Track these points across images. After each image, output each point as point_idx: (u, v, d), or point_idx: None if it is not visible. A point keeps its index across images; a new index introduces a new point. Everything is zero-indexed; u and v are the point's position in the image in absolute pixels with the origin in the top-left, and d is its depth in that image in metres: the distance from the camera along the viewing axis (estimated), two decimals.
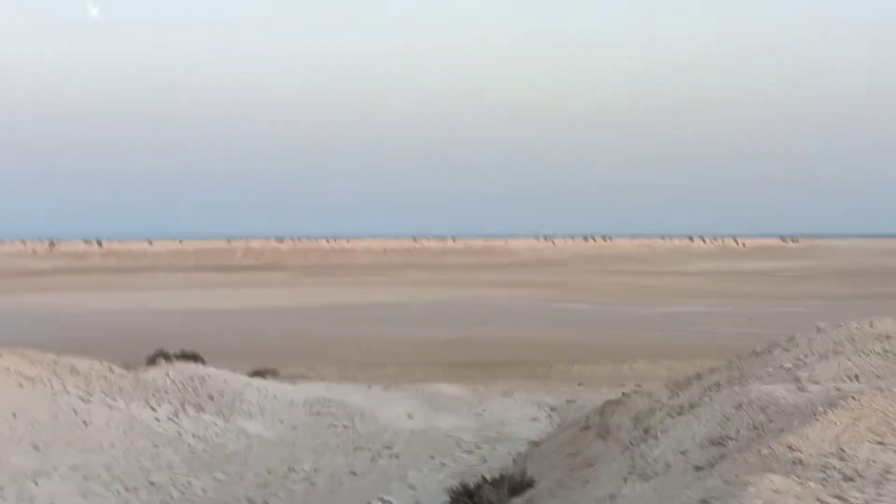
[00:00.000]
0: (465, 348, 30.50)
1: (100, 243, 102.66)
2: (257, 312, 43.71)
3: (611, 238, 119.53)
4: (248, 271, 77.58)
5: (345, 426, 15.75)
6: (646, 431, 8.23)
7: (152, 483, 11.31)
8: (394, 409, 17.33)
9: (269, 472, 12.44)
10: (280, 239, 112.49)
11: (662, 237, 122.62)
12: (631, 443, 8.52)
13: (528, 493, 10.04)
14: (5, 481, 10.00)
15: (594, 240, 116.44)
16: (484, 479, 10.97)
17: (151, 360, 17.38)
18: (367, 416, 16.56)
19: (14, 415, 11.30)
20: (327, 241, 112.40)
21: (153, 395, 14.31)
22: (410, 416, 16.55)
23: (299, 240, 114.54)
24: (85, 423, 12.02)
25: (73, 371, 13.58)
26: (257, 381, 18.31)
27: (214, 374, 17.40)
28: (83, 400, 12.60)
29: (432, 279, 66.79)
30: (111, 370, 14.67)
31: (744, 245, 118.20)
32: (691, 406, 7.79)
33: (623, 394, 12.76)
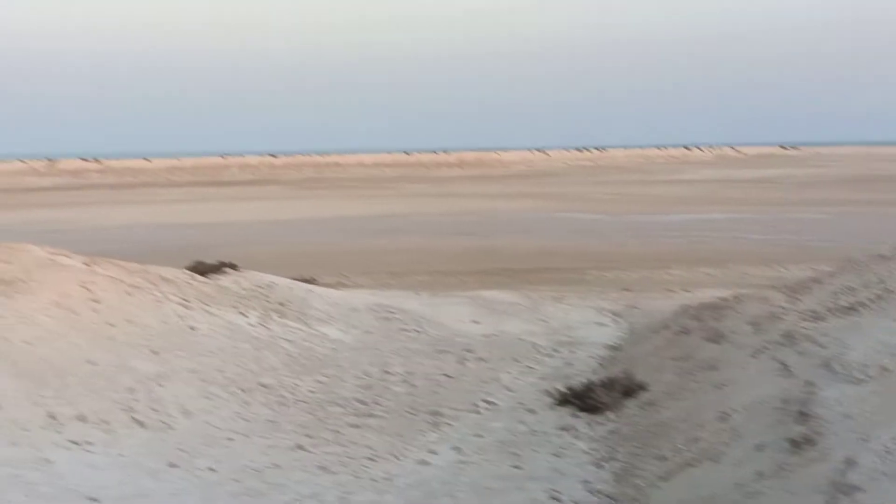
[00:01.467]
0: (487, 257, 30.75)
1: (98, 161, 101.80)
2: (264, 224, 43.68)
3: (605, 149, 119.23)
4: (245, 185, 77.18)
5: (416, 331, 16.01)
6: (786, 337, 8.43)
7: (264, 385, 11.55)
8: (455, 314, 17.61)
9: (367, 375, 12.70)
10: (274, 154, 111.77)
11: (658, 147, 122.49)
12: (765, 347, 8.74)
13: (643, 396, 10.34)
14: (134, 384, 10.19)
15: (589, 151, 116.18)
16: (590, 381, 11.29)
17: (214, 269, 17.46)
18: (432, 322, 16.84)
19: (128, 321, 11.43)
20: (320, 156, 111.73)
21: (239, 301, 14.48)
22: (476, 322, 16.84)
23: (292, 155, 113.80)
24: (191, 328, 12.19)
25: (164, 279, 13.69)
26: (317, 289, 18.53)
27: (278, 282, 17.61)
28: (184, 306, 12.74)
29: (431, 191, 66.71)
30: (193, 278, 14.80)
31: (743, 154, 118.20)
32: (850, 310, 7.98)
33: (721, 298, 12.97)
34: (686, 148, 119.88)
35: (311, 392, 11.79)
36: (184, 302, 12.93)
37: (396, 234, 38.80)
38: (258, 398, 11.16)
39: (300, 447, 9.61)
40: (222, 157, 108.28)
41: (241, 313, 13.80)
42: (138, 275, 13.23)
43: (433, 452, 9.56)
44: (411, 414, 10.95)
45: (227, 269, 17.60)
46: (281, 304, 15.97)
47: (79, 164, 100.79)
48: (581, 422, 10.27)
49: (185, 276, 14.67)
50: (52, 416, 8.92)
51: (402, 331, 16.01)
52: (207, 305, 13.28)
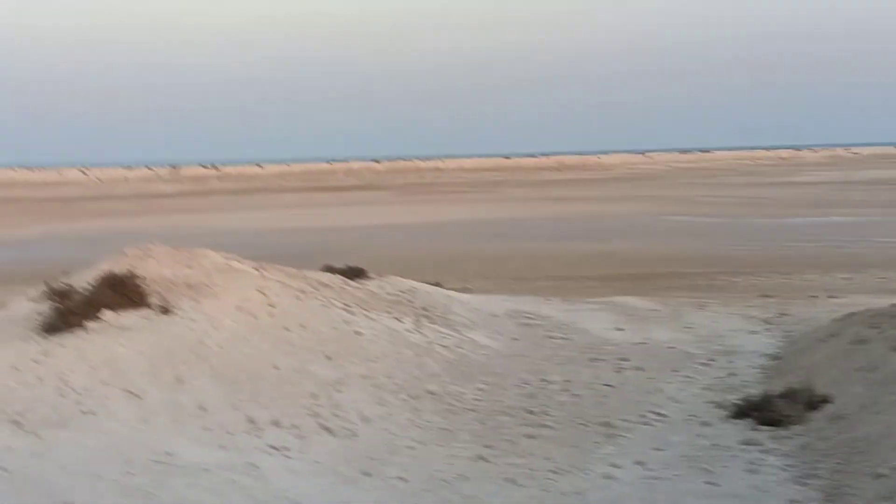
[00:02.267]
0: (606, 261, 30.44)
1: (216, 167, 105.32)
2: (378, 228, 44.17)
3: (708, 150, 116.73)
4: (352, 190, 78.36)
5: (562, 338, 15.91)
6: None
7: (431, 392, 11.63)
8: (596, 321, 17.43)
9: (526, 383, 12.67)
10: (377, 160, 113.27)
11: (765, 148, 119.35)
12: None
13: (829, 409, 10.01)
14: (316, 389, 10.39)
15: (691, 153, 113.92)
16: (768, 392, 11.00)
17: (357, 274, 17.70)
18: (576, 328, 16.71)
19: (301, 326, 11.67)
20: (421, 161, 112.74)
21: (390, 306, 14.65)
22: (620, 329, 16.63)
23: (394, 160, 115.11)
24: (357, 333, 12.36)
25: (323, 284, 13.93)
26: (455, 294, 18.61)
27: (418, 287, 17.77)
28: (348, 311, 12.94)
29: (534, 195, 66.51)
30: (346, 283, 15.03)
31: (857, 154, 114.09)
32: None
33: (893, 305, 12.50)
34: (796, 149, 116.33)
35: (477, 400, 11.81)
36: (346, 307, 13.13)
37: (509, 238, 38.78)
38: (427, 405, 11.24)
39: (481, 458, 9.63)
40: (328, 162, 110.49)
41: (396, 318, 13.94)
42: (300, 279, 13.49)
43: (616, 466, 9.46)
44: (582, 425, 10.86)
45: (371, 275, 17.86)
46: (425, 308, 16.09)
47: (199, 170, 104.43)
48: (764, 435, 10.01)
49: (339, 280, 14.90)
50: (252, 421, 9.15)
51: (547, 338, 15.92)
52: (367, 311, 13.45)
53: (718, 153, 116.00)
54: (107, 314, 10.56)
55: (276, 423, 9.38)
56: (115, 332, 10.04)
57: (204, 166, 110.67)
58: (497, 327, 16.37)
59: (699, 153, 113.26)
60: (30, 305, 12.14)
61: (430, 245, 37.15)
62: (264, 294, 11.81)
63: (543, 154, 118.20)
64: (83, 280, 12.29)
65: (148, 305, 10.95)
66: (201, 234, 42.86)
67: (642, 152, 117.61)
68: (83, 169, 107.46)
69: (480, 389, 12.28)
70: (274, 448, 8.87)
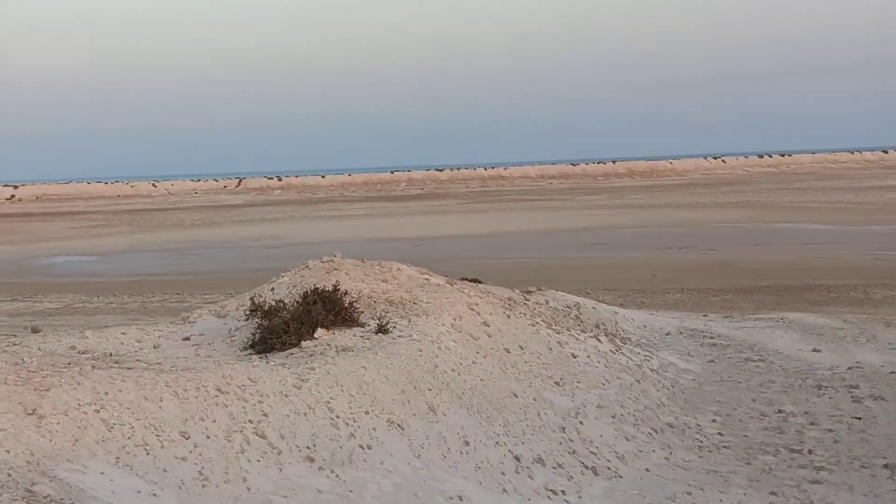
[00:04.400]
0: (729, 272, 28.81)
1: (279, 178, 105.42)
2: (457, 238, 42.86)
3: (788, 154, 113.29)
4: (417, 199, 77.32)
5: (759, 360, 14.43)
6: None
7: (670, 425, 10.26)
8: (783, 341, 15.91)
9: (763, 415, 11.22)
10: (440, 168, 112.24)
11: (848, 151, 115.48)
12: None
13: None
14: (560, 421, 9.09)
15: (770, 156, 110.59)
16: None
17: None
18: (767, 350, 15.21)
19: (520, 347, 10.38)
20: (485, 168, 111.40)
21: (576, 324, 13.30)
22: (817, 350, 15.08)
23: (458, 169, 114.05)
24: (573, 355, 11.05)
25: (512, 301, 12.64)
26: (619, 309, 17.25)
27: (582, 302, 16.41)
28: (554, 331, 11.63)
29: (612, 202, 64.73)
30: (526, 299, 13.72)
31: None
32: None
33: None
34: (883, 151, 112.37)
35: (720, 434, 10.42)
36: (551, 326, 11.80)
37: (609, 248, 37.27)
38: (674, 440, 9.89)
39: None
40: (390, 172, 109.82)
41: (595, 338, 12.57)
42: (492, 294, 12.20)
43: None
44: (864, 468, 9.38)
45: (531, 289, 16.59)
46: (597, 325, 14.73)
47: (263, 181, 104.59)
48: None
49: (518, 296, 13.58)
50: (517, 458, 7.89)
51: (744, 360, 14.45)
52: (569, 330, 12.11)
53: (797, 156, 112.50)
54: (319, 332, 9.36)
55: (541, 462, 8.10)
56: (335, 352, 8.83)
57: (268, 177, 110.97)
58: (680, 347, 14.98)
59: (778, 157, 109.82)
60: (214, 321, 11.06)
61: (527, 254, 35.81)
62: (476, 312, 10.54)
63: (610, 160, 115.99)
64: (270, 294, 11.17)
65: (359, 323, 9.73)
66: (285, 244, 42.16)
67: (715, 156, 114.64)
68: (153, 182, 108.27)
69: (715, 421, 10.89)
70: (552, 492, 7.59)
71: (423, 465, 7.02)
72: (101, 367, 6.63)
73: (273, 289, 11.21)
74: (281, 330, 9.22)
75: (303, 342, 9.15)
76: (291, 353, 8.92)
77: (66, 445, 5.23)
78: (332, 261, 11.60)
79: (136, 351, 9.51)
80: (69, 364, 6.51)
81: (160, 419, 5.99)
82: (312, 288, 9.91)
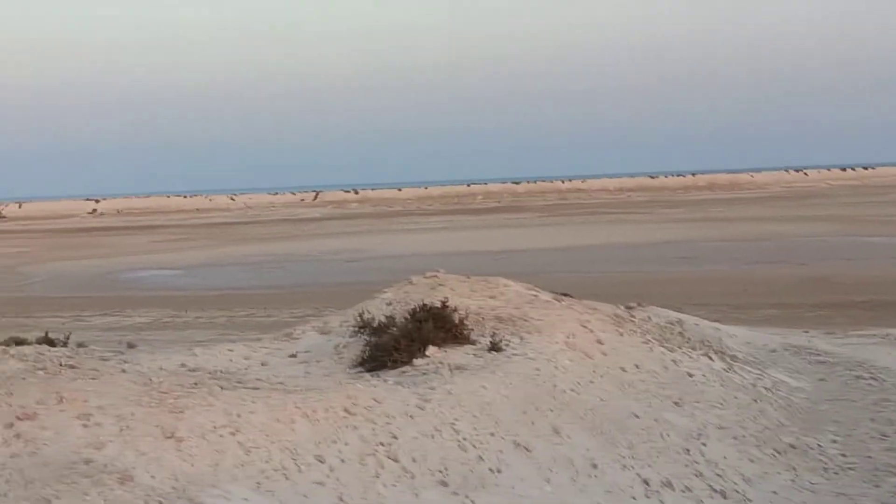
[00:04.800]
0: (825, 287, 27.86)
1: (356, 192, 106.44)
2: (540, 251, 42.38)
3: (871, 167, 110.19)
4: (493, 213, 77.07)
5: (871, 378, 13.80)
6: None
7: (792, 446, 9.82)
8: (890, 357, 15.24)
9: (884, 435, 10.67)
10: (516, 181, 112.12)
11: None
12: None
13: None
14: (683, 442, 8.73)
15: (853, 169, 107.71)
16: None
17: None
18: (878, 367, 14.55)
19: (636, 366, 10.05)
20: (562, 181, 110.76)
21: (683, 341, 12.87)
22: None
23: (534, 182, 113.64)
24: (689, 374, 10.67)
25: (619, 316, 12.30)
26: (721, 325, 16.74)
27: (684, 318, 15.94)
28: (667, 349, 11.25)
29: (694, 216, 63.54)
30: (631, 315, 13.35)
31: None
32: None
33: None
34: None
35: (842, 455, 9.93)
36: (662, 344, 11.43)
37: (697, 261, 36.48)
38: (798, 462, 9.45)
39: None
40: (467, 185, 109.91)
41: (706, 356, 12.15)
42: (598, 311, 11.88)
43: None
44: None
45: (631, 304, 16.21)
46: (701, 342, 14.26)
47: (339, 194, 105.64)
48: None
49: (623, 312, 13.22)
50: (646, 482, 7.57)
51: (855, 378, 13.83)
52: (679, 348, 11.72)
53: (881, 169, 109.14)
54: (431, 350, 9.17)
55: (669, 485, 7.78)
56: (449, 371, 8.63)
57: (344, 190, 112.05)
58: (787, 364, 14.43)
59: (861, 169, 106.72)
60: (317, 337, 10.98)
61: (609, 268, 35.22)
62: (588, 329, 10.24)
63: (689, 172, 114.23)
64: (375, 310, 11.04)
65: (471, 341, 9.52)
66: (366, 258, 42.31)
67: (796, 169, 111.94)
68: (231, 195, 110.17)
69: (835, 442, 10.40)
70: None
71: (553, 490, 6.77)
72: (228, 387, 6.54)
73: (377, 305, 11.08)
74: (391, 347, 9.07)
75: (414, 360, 8.98)
76: (404, 372, 8.76)
77: (206, 470, 5.14)
78: (435, 276, 11.43)
79: (245, 368, 9.47)
80: (195, 384, 6.44)
81: (294, 442, 5.86)
82: (420, 304, 9.74)
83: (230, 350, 10.08)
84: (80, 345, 10.68)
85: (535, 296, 11.14)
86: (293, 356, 10.37)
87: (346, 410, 6.57)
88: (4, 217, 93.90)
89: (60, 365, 7.02)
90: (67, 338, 10.99)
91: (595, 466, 7.43)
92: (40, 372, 6.34)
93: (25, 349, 7.51)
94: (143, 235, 65.89)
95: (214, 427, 5.70)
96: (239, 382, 6.91)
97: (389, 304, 10.61)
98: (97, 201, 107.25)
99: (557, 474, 7.03)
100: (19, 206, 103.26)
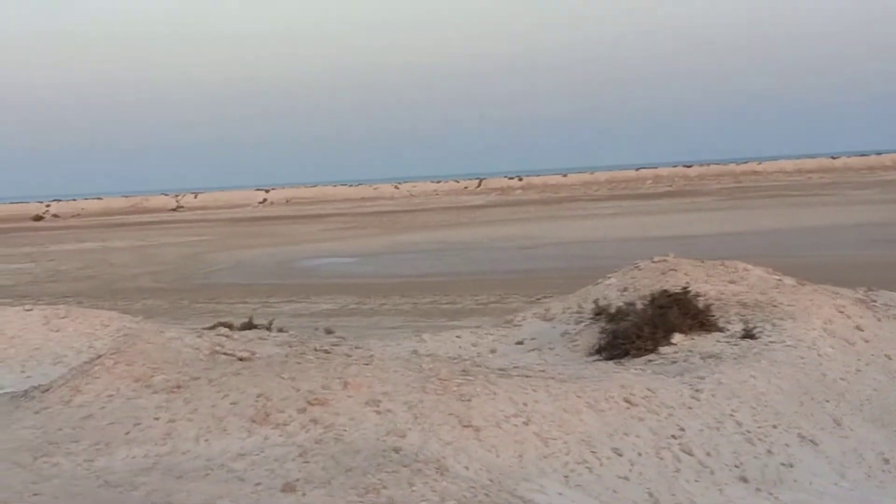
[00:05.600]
0: None
1: (520, 178, 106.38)
2: (726, 236, 40.55)
3: None
4: (665, 197, 74.94)
5: None
6: None
7: None
8: None
9: None
10: (687, 165, 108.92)
11: None
12: None
13: None
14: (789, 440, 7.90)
15: None
16: None
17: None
18: None
19: None
20: (736, 164, 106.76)
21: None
22: None
23: (707, 165, 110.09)
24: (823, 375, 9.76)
25: (859, 300, 11.36)
26: None
27: None
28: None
29: (884, 197, 59.61)
30: (860, 299, 12.37)
31: None
32: None
33: None
34: None
35: None
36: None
37: (894, 245, 34.05)
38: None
39: None
40: (636, 169, 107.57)
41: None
42: (843, 296, 10.99)
43: None
44: None
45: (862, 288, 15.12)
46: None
47: (503, 181, 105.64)
48: None
49: (863, 296, 12.19)
50: None
51: None
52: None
53: None
54: (677, 337, 8.66)
55: None
56: (701, 360, 8.09)
57: (508, 177, 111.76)
58: None
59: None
60: (540, 324, 10.66)
61: (802, 252, 33.29)
62: (846, 315, 9.47)
63: (874, 152, 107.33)
64: (601, 296, 10.60)
65: (719, 328, 8.95)
66: (541, 244, 41.80)
67: None
68: (395, 184, 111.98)
69: None
70: None
71: (850, 486, 6.19)
72: (503, 375, 6.28)
73: (600, 291, 10.65)
74: (634, 335, 8.61)
75: (660, 348, 8.50)
76: (650, 360, 8.31)
77: (513, 462, 4.90)
78: (665, 260, 10.89)
79: (476, 355, 9.27)
80: (464, 372, 6.21)
81: (587, 434, 5.56)
82: (660, 290, 9.23)
83: (458, 336, 9.91)
84: (280, 330, 10.70)
85: (780, 280, 10.41)
86: (520, 343, 10.12)
87: (626, 401, 6.21)
88: (183, 207, 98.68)
89: (316, 350, 6.96)
90: (270, 324, 11.00)
91: (887, 461, 6.78)
92: (310, 357, 6.26)
93: (282, 335, 7.51)
94: (314, 224, 67.49)
95: (506, 416, 5.46)
96: (502, 370, 6.65)
97: (624, 290, 10.15)
98: (267, 191, 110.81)
99: (850, 469, 6.43)
100: (195, 197, 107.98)
